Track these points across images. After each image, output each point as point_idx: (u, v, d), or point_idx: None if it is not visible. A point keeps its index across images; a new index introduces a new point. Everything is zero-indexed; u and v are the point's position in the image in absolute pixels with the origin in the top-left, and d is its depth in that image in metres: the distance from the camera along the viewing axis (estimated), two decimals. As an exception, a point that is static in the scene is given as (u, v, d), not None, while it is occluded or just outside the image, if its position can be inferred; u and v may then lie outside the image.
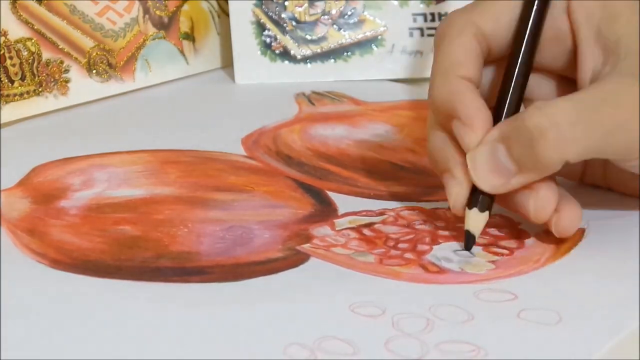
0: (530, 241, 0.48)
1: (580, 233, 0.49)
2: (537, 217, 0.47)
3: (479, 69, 0.49)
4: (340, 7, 0.69)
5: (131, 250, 0.48)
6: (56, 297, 0.44)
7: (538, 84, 0.51)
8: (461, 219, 0.49)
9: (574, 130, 0.44)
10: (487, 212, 0.47)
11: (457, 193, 0.47)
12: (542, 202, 0.46)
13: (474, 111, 0.47)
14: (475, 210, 0.47)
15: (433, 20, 0.68)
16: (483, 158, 0.46)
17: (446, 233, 0.49)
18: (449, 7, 0.69)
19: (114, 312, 0.43)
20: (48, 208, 0.52)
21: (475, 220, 0.47)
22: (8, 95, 0.62)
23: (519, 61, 0.48)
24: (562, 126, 0.44)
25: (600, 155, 0.46)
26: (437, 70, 0.49)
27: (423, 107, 0.64)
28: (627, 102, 0.45)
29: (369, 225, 0.50)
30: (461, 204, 0.47)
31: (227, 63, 0.71)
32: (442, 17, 0.68)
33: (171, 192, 0.53)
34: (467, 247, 0.48)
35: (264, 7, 0.68)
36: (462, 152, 0.47)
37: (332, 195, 0.53)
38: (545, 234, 0.49)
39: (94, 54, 0.65)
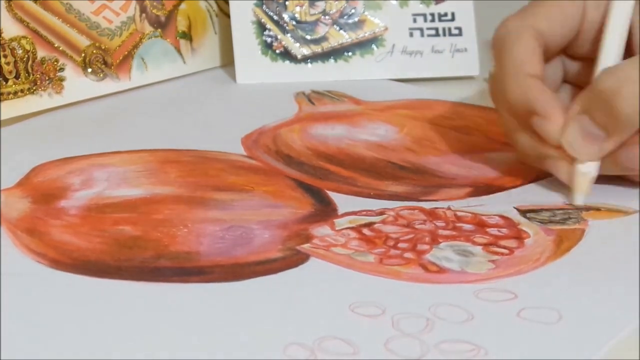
0: (530, 241, 0.48)
1: (580, 233, 0.49)
2: None
3: (542, 65, 0.52)
4: (341, 7, 0.69)
5: (131, 251, 0.48)
6: (56, 297, 0.44)
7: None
8: (462, 218, 0.49)
9: None
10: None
11: (564, 170, 0.51)
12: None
13: (551, 104, 0.50)
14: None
15: (433, 20, 0.68)
16: (573, 133, 0.50)
17: (446, 233, 0.49)
18: (449, 7, 0.69)
19: (114, 312, 0.43)
20: (48, 208, 0.52)
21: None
22: (2, 94, 0.62)
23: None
24: (633, 81, 0.47)
25: None
26: (507, 73, 0.52)
27: (423, 106, 0.64)
28: None
29: (368, 225, 0.50)
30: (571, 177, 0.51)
31: (225, 62, 0.71)
32: (442, 17, 0.68)
33: (171, 191, 0.53)
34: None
35: (264, 7, 0.68)
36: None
37: (332, 195, 0.53)
38: (545, 233, 0.49)
39: (90, 53, 0.65)
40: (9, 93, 0.62)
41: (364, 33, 0.69)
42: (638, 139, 0.49)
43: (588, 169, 0.50)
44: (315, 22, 0.69)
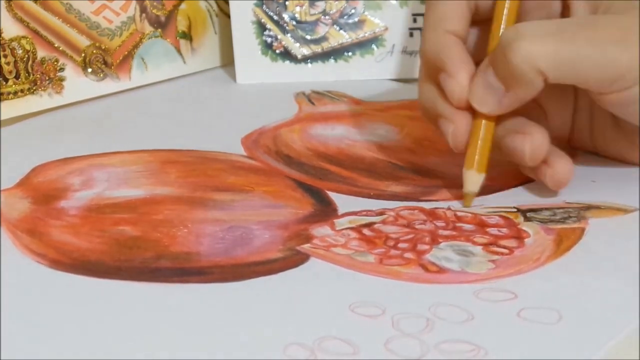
0: (530, 240, 0.48)
1: (581, 232, 0.49)
2: (533, 157, 0.50)
3: (466, 24, 0.52)
4: (341, 7, 0.69)
5: (131, 251, 0.48)
6: (56, 298, 0.44)
7: None
8: (462, 218, 0.49)
9: (544, 41, 0.48)
10: (483, 174, 0.51)
11: (453, 131, 0.51)
12: (537, 143, 0.50)
13: (459, 64, 0.51)
14: (472, 171, 0.51)
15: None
16: (478, 83, 0.50)
17: (446, 233, 0.49)
18: (448, 7, 0.68)
19: (114, 313, 0.43)
20: (48, 208, 0.52)
21: (474, 180, 0.51)
22: (2, 94, 0.62)
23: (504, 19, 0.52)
24: (532, 37, 0.48)
25: (574, 77, 0.49)
26: (427, 25, 0.52)
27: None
28: (605, 25, 0.49)
29: (368, 225, 0.50)
30: (461, 140, 0.51)
31: (225, 63, 0.71)
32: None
33: (171, 192, 0.53)
34: (467, 205, 0.51)
35: (264, 6, 0.68)
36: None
37: (332, 195, 0.53)
38: (545, 232, 0.49)
39: (90, 53, 0.65)
40: (9, 93, 0.62)
41: (364, 33, 0.69)
42: (529, 130, 0.50)
43: (472, 187, 0.51)
44: (315, 22, 0.69)
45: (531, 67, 0.48)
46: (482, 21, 0.53)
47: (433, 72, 0.52)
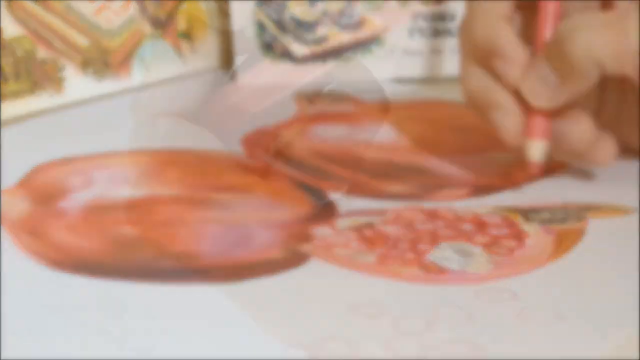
0: (530, 241, 0.48)
1: (580, 232, 0.49)
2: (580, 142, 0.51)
3: (513, 8, 0.52)
4: (341, 7, 0.69)
5: (131, 251, 0.48)
6: (56, 298, 0.44)
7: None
8: (462, 218, 0.49)
9: (603, 32, 0.48)
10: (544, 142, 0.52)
11: (510, 122, 0.51)
12: (583, 127, 0.51)
13: (517, 49, 0.51)
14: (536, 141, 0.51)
15: (433, 20, 0.68)
16: (532, 76, 0.50)
17: (446, 233, 0.49)
18: (449, 7, 0.69)
19: (114, 313, 0.43)
20: (48, 208, 0.52)
21: (538, 148, 0.52)
22: (2, 94, 0.62)
23: None
24: (591, 27, 0.48)
25: (632, 68, 0.48)
26: (478, 9, 0.52)
27: (423, 106, 0.64)
28: None
29: (369, 225, 0.50)
30: (515, 132, 0.51)
31: (225, 63, 0.71)
32: (442, 17, 0.68)
33: (171, 192, 0.53)
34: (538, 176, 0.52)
35: (264, 7, 0.69)
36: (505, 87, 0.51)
37: (332, 195, 0.53)
38: (545, 232, 0.49)
39: (90, 53, 0.65)
40: (9, 93, 0.62)
41: (364, 33, 0.69)
42: (573, 113, 0.51)
43: (536, 150, 0.51)
44: (315, 22, 0.69)
45: (590, 58, 0.48)
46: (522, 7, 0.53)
47: (481, 57, 0.52)
